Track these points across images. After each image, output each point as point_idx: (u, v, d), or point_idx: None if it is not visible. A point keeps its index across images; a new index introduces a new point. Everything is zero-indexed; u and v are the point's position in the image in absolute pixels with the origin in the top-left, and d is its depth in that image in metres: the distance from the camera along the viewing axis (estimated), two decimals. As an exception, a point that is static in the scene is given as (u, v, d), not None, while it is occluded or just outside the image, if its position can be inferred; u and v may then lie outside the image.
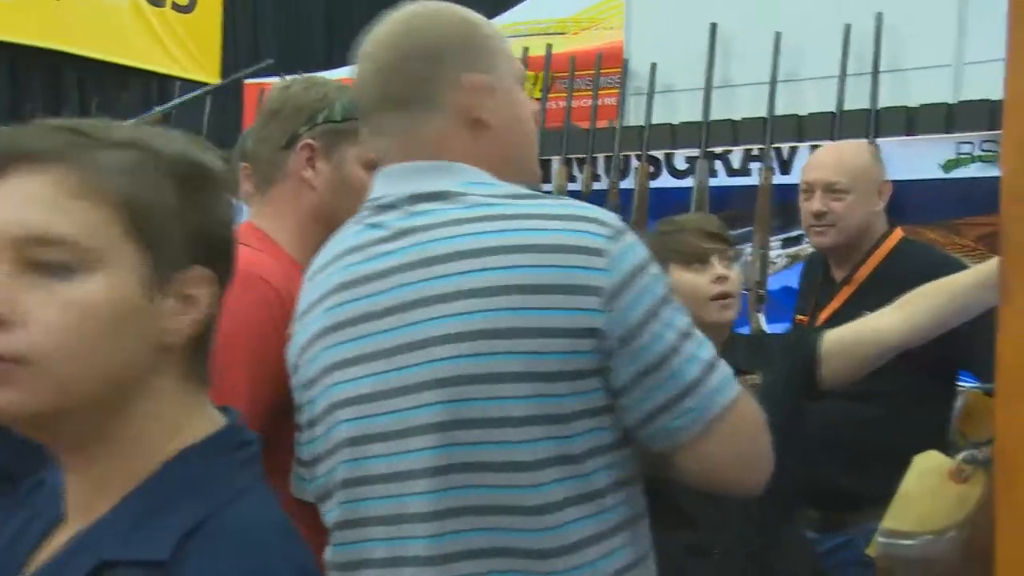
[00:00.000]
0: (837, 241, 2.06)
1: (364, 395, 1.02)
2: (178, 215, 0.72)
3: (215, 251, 0.75)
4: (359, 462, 1.03)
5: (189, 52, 6.40)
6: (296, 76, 1.48)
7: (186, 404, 0.75)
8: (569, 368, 0.97)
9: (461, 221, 1.01)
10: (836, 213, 2.04)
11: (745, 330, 2.87)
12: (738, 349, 1.74)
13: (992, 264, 1.23)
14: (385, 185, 1.07)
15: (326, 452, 1.06)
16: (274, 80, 4.28)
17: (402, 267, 1.02)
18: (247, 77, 4.90)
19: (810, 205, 2.07)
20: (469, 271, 0.98)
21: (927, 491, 0.73)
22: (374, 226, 1.06)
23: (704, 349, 1.01)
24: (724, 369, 1.02)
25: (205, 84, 5.44)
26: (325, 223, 1.31)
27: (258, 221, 1.37)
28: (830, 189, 2.05)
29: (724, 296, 1.67)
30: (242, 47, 6.81)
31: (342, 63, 1.12)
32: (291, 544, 0.72)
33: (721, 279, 1.67)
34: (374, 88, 1.07)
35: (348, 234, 1.09)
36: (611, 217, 1.02)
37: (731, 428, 1.00)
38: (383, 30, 1.08)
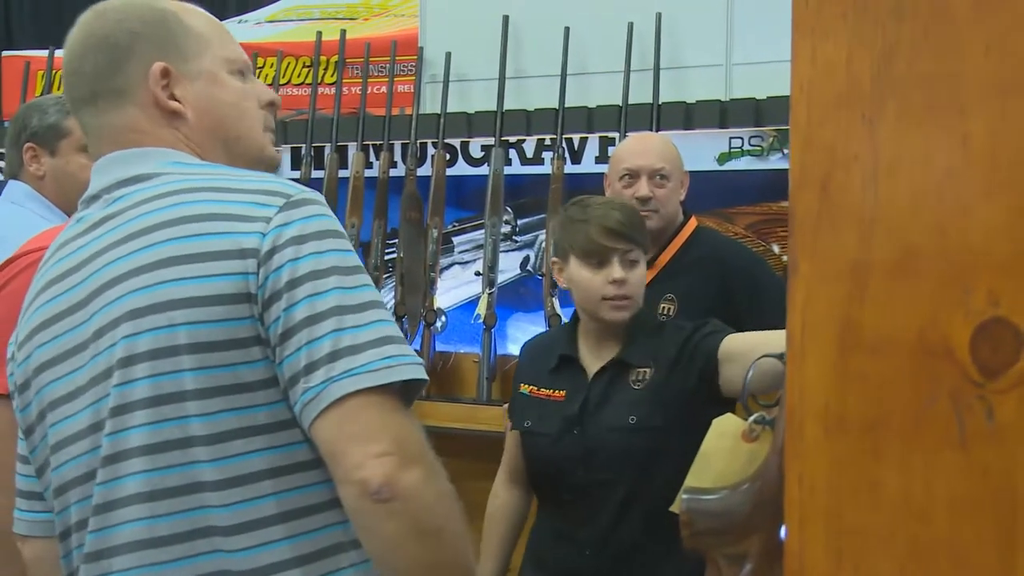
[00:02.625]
0: (658, 225, 2.16)
1: (65, 394, 1.01)
2: None
3: None
4: (60, 468, 1.02)
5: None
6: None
7: None
8: (235, 336, 0.94)
9: (150, 199, 1.01)
10: (659, 199, 2.16)
11: (540, 314, 2.98)
12: (636, 341, 1.72)
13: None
14: (94, 179, 1.07)
15: (45, 461, 1.05)
16: (40, 53, 4.00)
17: (94, 255, 1.01)
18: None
19: (635, 190, 2.14)
20: (140, 249, 0.97)
21: (723, 451, 0.81)
22: (79, 220, 1.06)
23: (366, 330, 0.93)
24: (379, 352, 0.92)
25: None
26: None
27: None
28: (656, 175, 2.16)
29: (618, 298, 1.67)
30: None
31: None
32: None
33: (617, 282, 1.67)
34: (69, 88, 1.08)
35: (63, 230, 1.09)
36: (298, 190, 0.98)
37: (353, 415, 0.91)
38: (75, 29, 1.07)
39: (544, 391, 1.80)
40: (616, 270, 1.69)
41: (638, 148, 2.25)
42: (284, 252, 0.94)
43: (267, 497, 0.95)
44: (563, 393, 1.78)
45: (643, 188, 2.15)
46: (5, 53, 4.72)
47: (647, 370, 1.70)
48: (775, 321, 2.12)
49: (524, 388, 1.84)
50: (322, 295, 0.93)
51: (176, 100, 1.05)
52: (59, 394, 1.02)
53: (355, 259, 0.98)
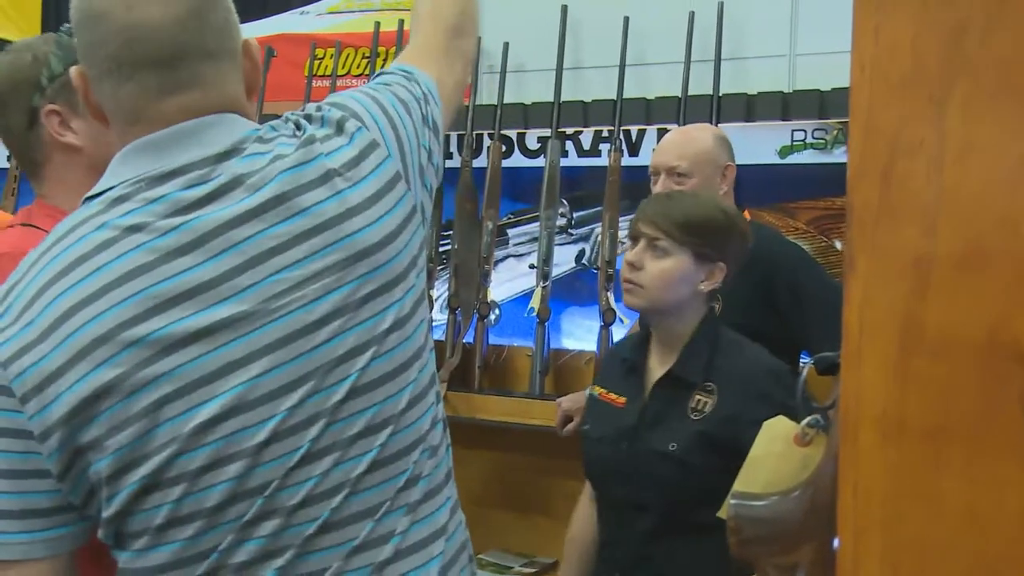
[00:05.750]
0: None
1: (198, 379, 0.95)
2: None
3: None
4: (200, 449, 0.95)
5: (2, 10, 5.97)
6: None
7: None
8: (408, 262, 1.05)
9: (269, 163, 1.00)
10: None
11: (594, 308, 2.94)
12: (693, 353, 1.63)
13: None
14: (155, 156, 1.00)
15: (142, 455, 0.96)
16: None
17: (223, 227, 0.97)
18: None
19: (655, 189, 2.16)
20: (302, 210, 0.99)
21: (774, 455, 0.77)
22: (155, 200, 0.98)
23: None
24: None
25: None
26: None
27: (48, 199, 1.32)
28: (673, 173, 2.15)
29: (628, 281, 1.65)
30: (64, 4, 6.40)
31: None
32: None
33: (629, 264, 1.65)
34: (187, 37, 0.99)
35: (112, 217, 0.98)
36: (331, 109, 1.08)
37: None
38: None
39: (611, 395, 1.74)
40: (631, 253, 1.66)
41: (660, 146, 2.25)
42: (394, 146, 1.09)
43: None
44: (624, 400, 1.71)
45: (659, 187, 2.15)
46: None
47: (707, 399, 1.60)
48: (814, 323, 2.05)
49: (595, 390, 1.79)
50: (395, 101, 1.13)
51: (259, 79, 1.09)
52: (204, 372, 0.95)
53: None
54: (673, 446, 1.59)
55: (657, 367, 1.69)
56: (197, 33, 1.00)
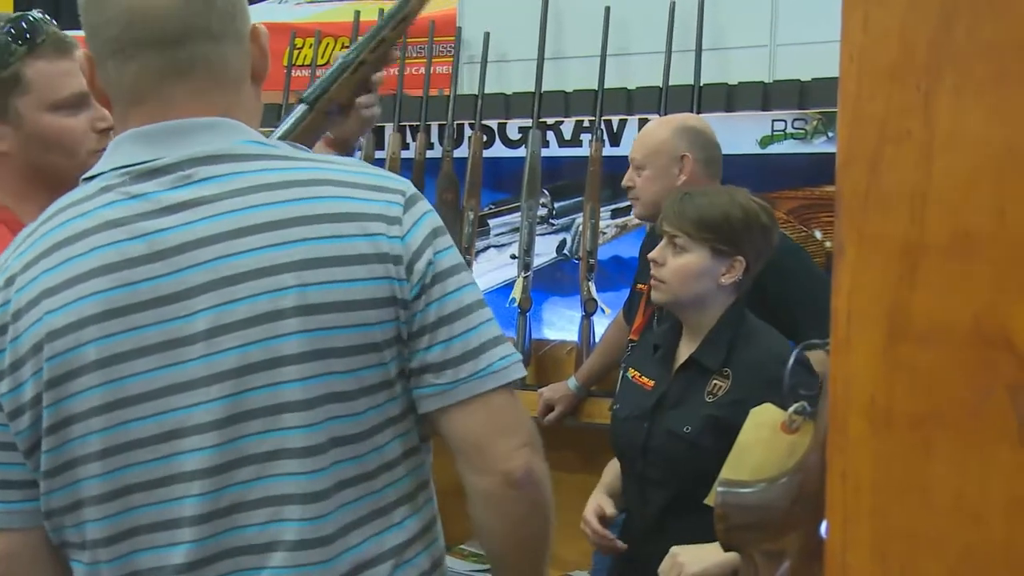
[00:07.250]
0: (641, 214, 2.27)
1: (159, 388, 0.95)
2: None
3: None
4: (125, 469, 0.96)
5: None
6: None
7: None
8: (366, 341, 0.97)
9: (256, 188, 0.96)
10: (637, 187, 2.24)
11: (575, 299, 2.95)
12: (713, 341, 1.69)
13: None
14: (144, 148, 0.98)
15: (83, 457, 0.97)
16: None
17: (188, 244, 0.95)
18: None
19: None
20: (271, 246, 0.95)
21: (761, 442, 0.78)
22: (134, 197, 0.97)
23: (488, 327, 1.01)
24: (505, 349, 1.02)
25: None
26: (44, 182, 1.24)
27: None
28: (634, 164, 2.24)
29: (653, 278, 1.74)
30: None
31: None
32: None
33: (652, 262, 1.75)
34: (190, 17, 0.97)
35: (96, 205, 0.98)
36: (406, 184, 1.03)
37: (498, 408, 1.01)
38: None
39: (643, 378, 1.82)
40: (657, 251, 1.74)
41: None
42: (424, 254, 0.99)
43: (348, 505, 1.00)
44: (652, 382, 1.80)
45: (625, 177, 2.25)
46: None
47: (723, 384, 1.67)
48: (801, 310, 2.08)
49: (630, 372, 1.87)
50: (463, 287, 1.01)
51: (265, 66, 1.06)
52: (147, 388, 0.95)
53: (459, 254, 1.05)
54: (688, 428, 1.67)
55: (684, 353, 1.79)
56: (202, 15, 0.98)
